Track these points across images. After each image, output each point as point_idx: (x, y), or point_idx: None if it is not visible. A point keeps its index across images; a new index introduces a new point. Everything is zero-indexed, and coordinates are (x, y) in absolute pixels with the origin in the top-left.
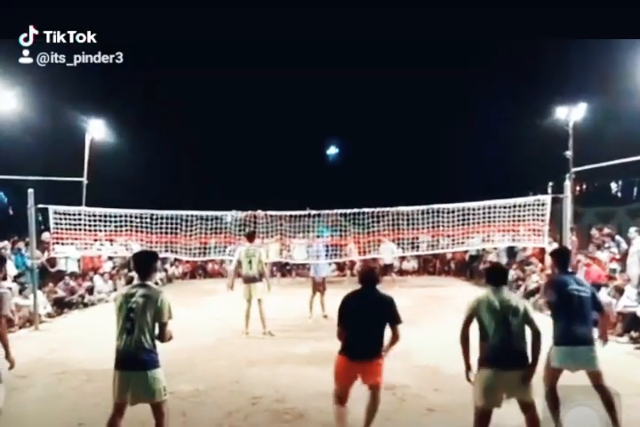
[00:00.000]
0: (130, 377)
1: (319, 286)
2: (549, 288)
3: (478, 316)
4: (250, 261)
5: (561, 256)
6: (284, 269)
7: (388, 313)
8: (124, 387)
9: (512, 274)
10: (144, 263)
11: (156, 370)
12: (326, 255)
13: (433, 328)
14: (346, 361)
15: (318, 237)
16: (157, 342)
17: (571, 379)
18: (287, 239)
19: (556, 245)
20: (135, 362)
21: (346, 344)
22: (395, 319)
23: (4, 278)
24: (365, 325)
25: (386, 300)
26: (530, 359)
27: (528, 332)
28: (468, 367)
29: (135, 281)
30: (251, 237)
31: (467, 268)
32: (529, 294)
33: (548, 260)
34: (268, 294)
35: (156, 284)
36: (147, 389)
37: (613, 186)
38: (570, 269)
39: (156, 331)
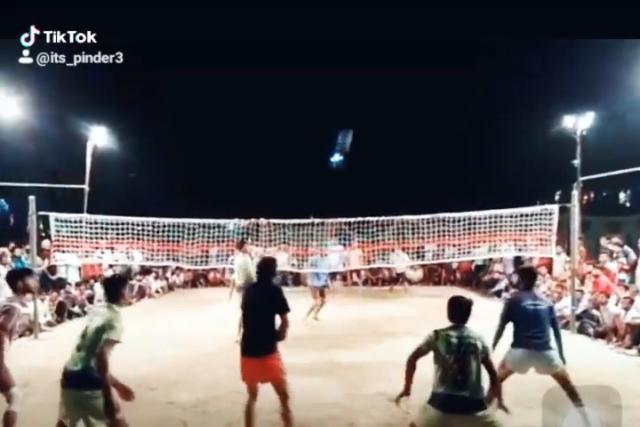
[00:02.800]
0: (73, 396)
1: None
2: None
3: (435, 351)
4: (244, 271)
5: (526, 275)
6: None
7: (274, 302)
8: (68, 406)
9: None
10: (113, 289)
11: (100, 391)
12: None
13: None
14: (242, 358)
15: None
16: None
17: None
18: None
19: (564, 256)
20: (79, 381)
21: (242, 341)
22: (281, 308)
23: (28, 291)
24: (255, 318)
25: (273, 289)
26: (484, 404)
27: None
28: (406, 392)
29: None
30: (240, 245)
31: (473, 278)
32: None
33: (556, 270)
34: None
35: (157, 292)
36: (91, 409)
37: (622, 195)
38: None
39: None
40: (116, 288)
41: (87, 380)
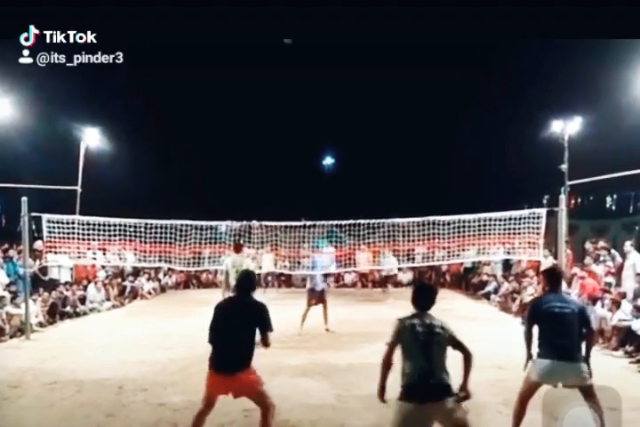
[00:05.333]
0: None
1: (318, 300)
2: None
3: (402, 341)
4: (237, 271)
5: (550, 276)
6: (279, 279)
7: (258, 319)
8: None
9: (507, 287)
10: None
11: None
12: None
13: None
14: (212, 374)
15: (317, 248)
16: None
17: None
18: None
19: (551, 259)
20: None
21: (212, 354)
22: (265, 326)
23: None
24: (235, 333)
25: (257, 306)
26: (452, 389)
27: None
28: (382, 389)
29: None
30: (237, 247)
31: (462, 280)
32: (524, 307)
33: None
34: None
35: (149, 294)
36: None
37: (608, 199)
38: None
39: None
40: None
41: None
